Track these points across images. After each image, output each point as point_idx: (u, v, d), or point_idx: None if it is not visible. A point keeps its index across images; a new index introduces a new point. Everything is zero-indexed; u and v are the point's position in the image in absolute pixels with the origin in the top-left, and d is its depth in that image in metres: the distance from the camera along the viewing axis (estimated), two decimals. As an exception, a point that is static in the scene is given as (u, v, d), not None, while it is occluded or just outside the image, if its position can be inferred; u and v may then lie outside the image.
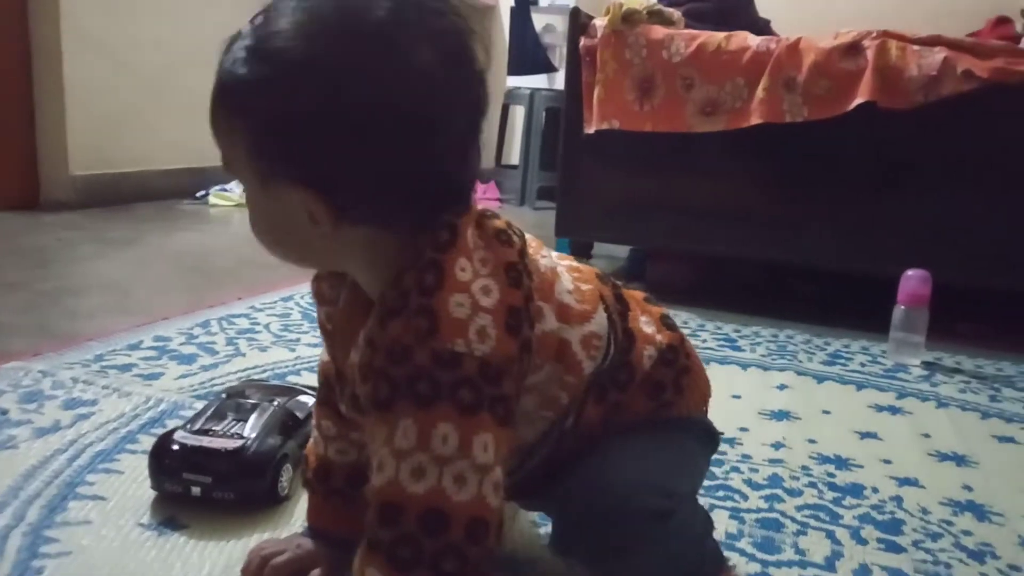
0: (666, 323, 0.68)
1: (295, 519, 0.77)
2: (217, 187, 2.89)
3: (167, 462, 0.77)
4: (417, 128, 0.50)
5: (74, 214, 2.43)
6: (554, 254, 0.64)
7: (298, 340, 1.33)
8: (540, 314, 0.57)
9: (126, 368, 1.14)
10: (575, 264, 0.66)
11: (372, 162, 0.50)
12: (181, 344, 1.26)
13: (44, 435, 0.91)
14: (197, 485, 0.76)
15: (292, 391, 0.90)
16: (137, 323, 1.36)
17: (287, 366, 1.20)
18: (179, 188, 2.87)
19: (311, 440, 0.72)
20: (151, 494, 0.79)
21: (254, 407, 0.83)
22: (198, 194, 2.89)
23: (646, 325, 0.66)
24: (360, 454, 0.68)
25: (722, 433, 0.73)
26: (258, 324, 1.41)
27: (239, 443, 0.77)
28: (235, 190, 2.88)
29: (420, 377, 0.50)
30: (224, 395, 0.88)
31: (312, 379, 1.15)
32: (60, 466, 0.84)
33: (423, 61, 0.50)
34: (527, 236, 0.60)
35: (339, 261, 0.57)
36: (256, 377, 1.14)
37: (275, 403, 0.85)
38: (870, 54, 1.56)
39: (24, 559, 0.67)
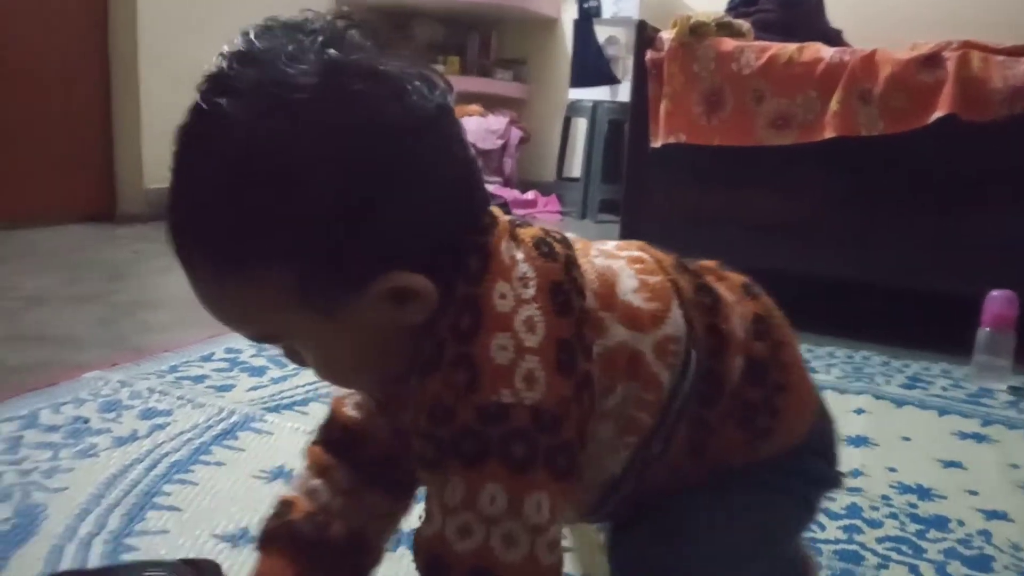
0: (758, 328, 0.57)
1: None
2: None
3: None
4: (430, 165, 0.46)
5: (147, 227, 2.51)
6: (609, 245, 0.57)
7: (364, 353, 1.35)
8: (601, 327, 0.50)
9: (199, 379, 1.17)
10: (636, 253, 0.56)
11: (432, 213, 0.46)
12: (252, 356, 1.29)
13: (123, 444, 0.93)
14: None
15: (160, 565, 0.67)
16: (209, 335, 1.39)
17: (354, 380, 1.21)
18: (248, 201, 2.95)
19: (294, 485, 0.61)
20: (225, 505, 0.80)
21: None
22: (265, 206, 2.96)
23: (740, 326, 0.56)
24: (369, 522, 0.59)
25: (845, 475, 0.67)
26: (325, 337, 1.42)
27: None
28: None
29: (466, 435, 0.45)
30: None
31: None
32: (138, 475, 0.86)
33: (390, 111, 0.44)
34: (571, 237, 0.55)
35: (405, 346, 0.50)
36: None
37: None
38: (950, 65, 1.51)
39: (106, 568, 0.69)
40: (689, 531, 0.54)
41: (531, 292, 0.47)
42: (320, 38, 0.44)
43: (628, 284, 0.53)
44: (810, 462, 0.59)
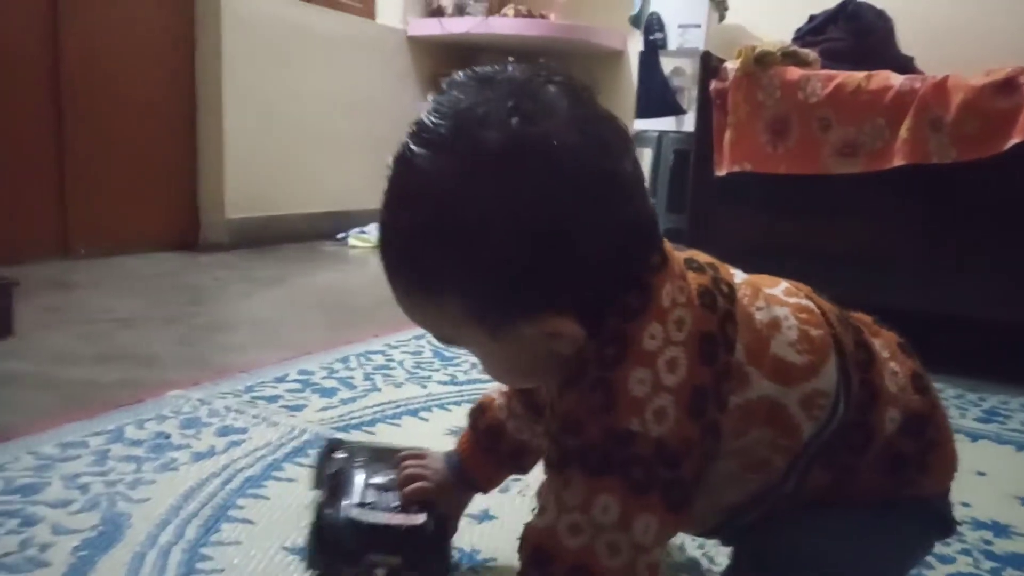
0: (917, 384, 0.59)
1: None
2: (356, 229, 3.05)
3: (346, 544, 0.67)
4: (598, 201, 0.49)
5: (227, 254, 2.62)
6: (778, 289, 0.58)
7: (429, 377, 1.38)
8: (745, 381, 0.52)
9: (273, 399, 1.22)
10: (804, 302, 0.58)
11: (593, 266, 0.50)
12: (323, 378, 1.34)
13: (201, 459, 0.98)
14: (383, 567, 0.67)
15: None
16: (283, 357, 1.45)
17: (419, 402, 1.24)
18: (322, 230, 3.05)
19: (490, 395, 0.74)
20: (294, 520, 0.83)
21: (394, 476, 0.74)
22: (338, 236, 3.05)
23: (892, 382, 0.58)
24: (532, 439, 0.71)
25: (959, 524, 0.68)
26: (392, 361, 1.46)
27: (420, 518, 0.69)
28: (373, 233, 3.02)
29: (591, 449, 0.49)
30: (355, 460, 0.76)
31: (443, 418, 1.19)
32: (214, 489, 0.90)
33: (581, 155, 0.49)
34: (740, 283, 0.56)
35: (555, 366, 0.55)
36: (389, 412, 1.18)
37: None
38: (1027, 91, 1.47)
39: (183, 573, 0.73)
40: (812, 550, 0.55)
41: (682, 336, 0.50)
42: (511, 100, 0.49)
43: (787, 336, 0.54)
44: (942, 507, 0.62)
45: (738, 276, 0.59)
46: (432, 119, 0.49)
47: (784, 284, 0.60)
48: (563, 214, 0.48)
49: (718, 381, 0.51)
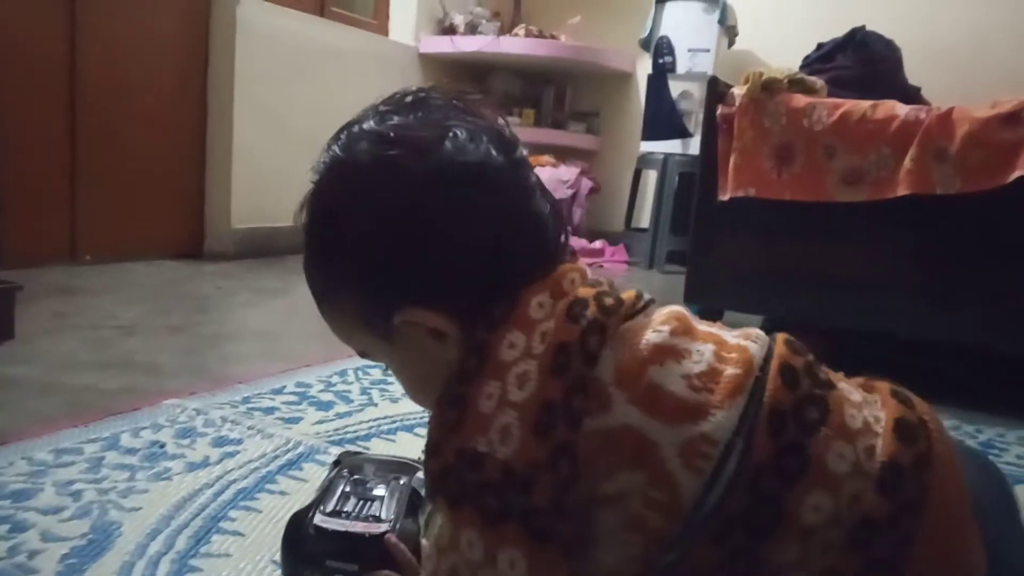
0: (887, 474, 0.44)
1: None
2: (360, 243, 3.06)
3: (309, 548, 0.70)
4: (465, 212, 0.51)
5: (231, 264, 2.64)
6: (733, 332, 0.52)
7: (427, 394, 1.37)
8: (605, 403, 0.46)
9: (269, 411, 1.22)
10: (746, 345, 0.49)
11: (451, 258, 0.50)
12: (320, 391, 1.34)
13: (194, 470, 0.98)
14: (342, 573, 0.69)
15: (409, 467, 0.83)
16: (282, 369, 1.45)
17: (416, 418, 1.24)
18: (326, 242, 3.05)
19: None
20: (285, 534, 0.83)
21: (381, 486, 0.77)
22: (342, 249, 3.06)
23: (841, 460, 0.44)
24: None
25: None
26: (390, 375, 1.46)
27: (382, 527, 0.70)
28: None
29: (448, 474, 0.47)
30: (344, 471, 0.80)
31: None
32: (206, 500, 0.90)
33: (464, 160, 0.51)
34: (669, 313, 0.51)
35: None
36: (385, 426, 1.18)
37: (402, 481, 0.78)
38: (1032, 124, 1.47)
39: (171, 585, 0.73)
40: None
41: (540, 348, 0.47)
42: (382, 106, 0.54)
43: (685, 367, 0.47)
44: None
45: (692, 321, 0.52)
46: (339, 135, 0.55)
47: (749, 330, 0.52)
48: (416, 203, 0.50)
49: (568, 394, 0.46)
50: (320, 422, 1.19)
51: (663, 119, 3.40)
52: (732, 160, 1.77)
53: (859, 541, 0.43)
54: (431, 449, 0.48)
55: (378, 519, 0.72)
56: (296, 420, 1.19)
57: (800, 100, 1.72)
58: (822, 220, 1.69)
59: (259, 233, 2.83)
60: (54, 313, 1.76)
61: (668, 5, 3.37)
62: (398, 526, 0.71)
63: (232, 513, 0.87)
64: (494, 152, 0.51)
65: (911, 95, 2.20)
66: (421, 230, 0.50)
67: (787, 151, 1.71)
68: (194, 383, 1.33)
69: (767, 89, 1.74)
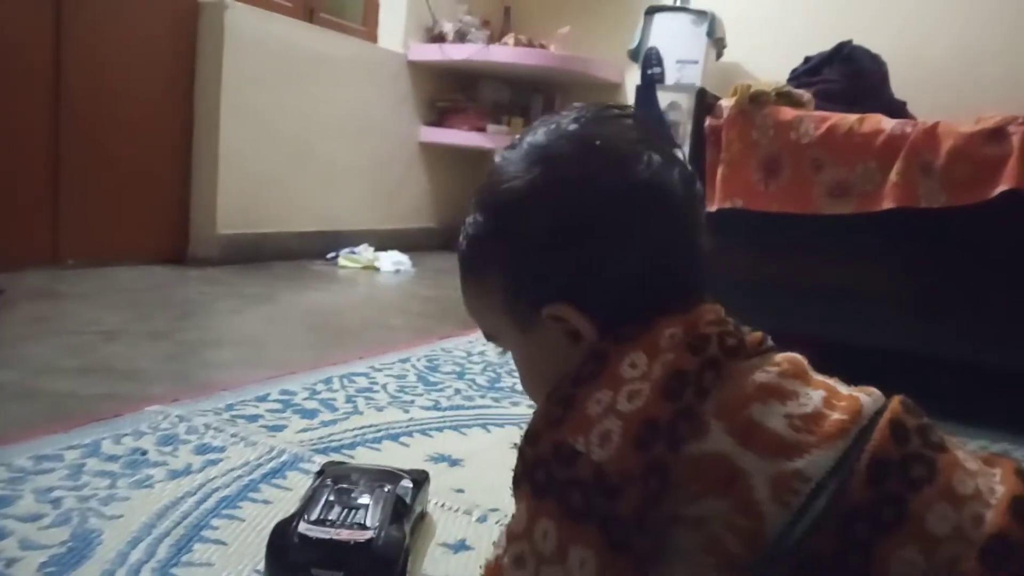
0: (995, 545, 0.43)
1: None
2: (346, 250, 3.05)
3: (293, 557, 0.71)
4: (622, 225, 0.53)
5: (216, 270, 2.61)
6: (817, 376, 0.53)
7: (412, 402, 1.37)
8: (703, 431, 0.47)
9: (253, 419, 1.21)
10: (846, 392, 0.51)
11: (617, 271, 0.53)
12: (304, 399, 1.32)
13: (177, 477, 0.97)
14: None
15: (394, 476, 0.84)
16: (266, 376, 1.44)
17: (400, 427, 1.23)
18: (312, 249, 3.04)
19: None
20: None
21: (365, 494, 0.78)
22: (328, 255, 3.05)
23: (944, 522, 0.44)
24: None
25: None
26: (376, 384, 1.45)
27: (367, 534, 0.71)
28: (363, 253, 3.02)
29: (540, 465, 0.49)
30: (328, 479, 0.81)
31: (424, 444, 1.18)
32: (189, 508, 0.89)
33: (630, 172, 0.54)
34: (786, 359, 0.52)
35: None
36: (369, 435, 1.17)
37: (386, 489, 0.79)
38: (1016, 140, 1.49)
39: (151, 595, 0.72)
40: None
41: (657, 373, 0.49)
42: (577, 113, 0.58)
43: (790, 408, 0.48)
44: None
45: (817, 377, 0.53)
46: (524, 135, 0.58)
47: (872, 388, 0.52)
48: (602, 212, 0.53)
49: (675, 418, 0.47)
50: (304, 430, 1.18)
51: (651, 130, 3.41)
52: (720, 172, 1.78)
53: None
54: (529, 437, 0.50)
55: (363, 527, 0.72)
56: (280, 428, 1.18)
57: (787, 113, 1.73)
58: (809, 232, 1.70)
59: (245, 239, 2.82)
60: (36, 318, 1.74)
61: (657, 16, 3.39)
62: (383, 534, 0.71)
63: (215, 522, 0.86)
64: (678, 182, 0.55)
65: (896, 109, 2.22)
66: (599, 238, 0.53)
67: (774, 163, 1.72)
68: (177, 389, 1.32)
69: (755, 101, 1.75)
